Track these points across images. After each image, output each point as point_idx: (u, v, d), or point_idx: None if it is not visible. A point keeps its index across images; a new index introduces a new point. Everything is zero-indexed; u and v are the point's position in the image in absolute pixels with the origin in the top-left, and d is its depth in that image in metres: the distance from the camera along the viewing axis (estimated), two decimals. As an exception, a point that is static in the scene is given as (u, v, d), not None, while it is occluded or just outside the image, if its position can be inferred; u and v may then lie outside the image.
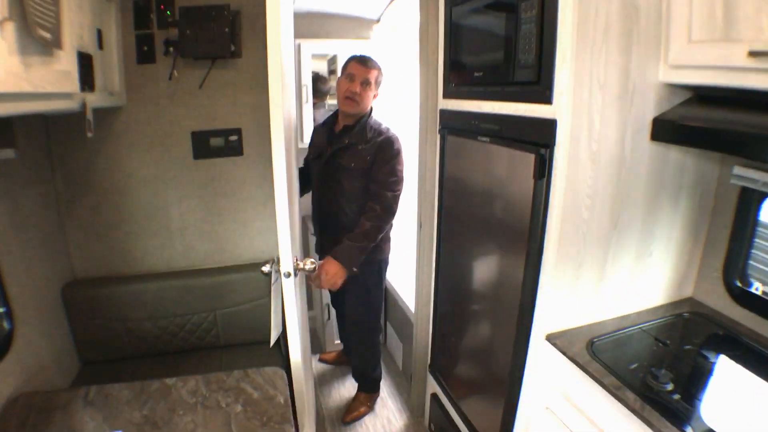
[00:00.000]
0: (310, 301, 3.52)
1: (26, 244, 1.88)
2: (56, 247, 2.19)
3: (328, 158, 2.40)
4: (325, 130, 2.51)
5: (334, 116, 2.51)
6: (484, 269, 1.96)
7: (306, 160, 2.70)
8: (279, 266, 1.67)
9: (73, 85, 1.47)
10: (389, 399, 2.97)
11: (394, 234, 2.61)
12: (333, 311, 3.27)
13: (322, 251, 2.59)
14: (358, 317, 2.67)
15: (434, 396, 2.48)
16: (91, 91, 1.68)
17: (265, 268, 1.82)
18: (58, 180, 2.19)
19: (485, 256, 1.93)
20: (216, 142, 2.34)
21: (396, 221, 2.48)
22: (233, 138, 2.36)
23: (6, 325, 1.71)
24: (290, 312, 1.70)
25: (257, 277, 2.30)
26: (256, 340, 2.44)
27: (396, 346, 3.31)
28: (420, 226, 2.41)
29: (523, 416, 1.74)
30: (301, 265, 1.75)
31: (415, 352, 2.64)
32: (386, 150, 2.34)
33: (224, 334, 2.40)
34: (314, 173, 2.55)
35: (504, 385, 1.79)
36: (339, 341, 3.36)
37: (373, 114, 2.45)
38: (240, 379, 1.64)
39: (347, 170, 2.36)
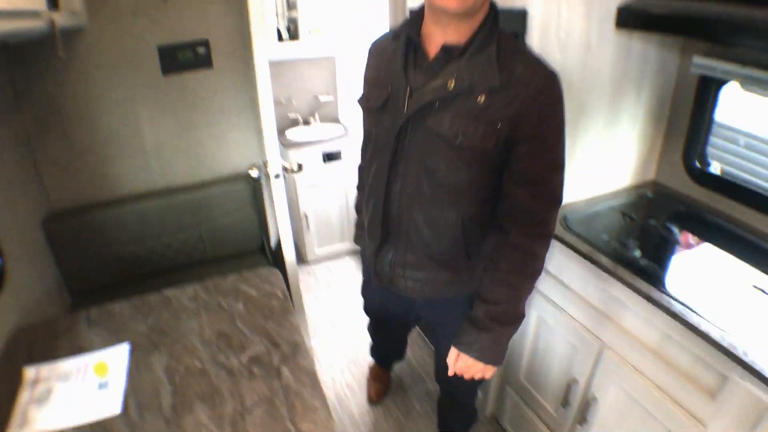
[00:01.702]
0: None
1: (2, 180, 1.86)
2: (31, 181, 2.17)
3: (408, 117, 1.24)
4: (399, 53, 1.27)
5: (415, 23, 1.25)
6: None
7: (366, 116, 1.48)
8: (267, 169, 1.73)
9: (41, 1, 1.42)
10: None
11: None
12: (311, 220, 3.40)
13: (378, 278, 1.55)
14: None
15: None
16: (56, 10, 1.63)
17: (254, 173, 1.86)
18: (25, 111, 2.13)
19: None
20: (184, 55, 2.28)
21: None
22: (201, 50, 2.29)
23: (-2, 261, 1.72)
24: (281, 213, 1.78)
25: (238, 189, 2.34)
26: (243, 250, 2.51)
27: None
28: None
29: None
30: (287, 166, 1.81)
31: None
32: (547, 103, 1.18)
33: (211, 248, 2.46)
34: (376, 141, 1.39)
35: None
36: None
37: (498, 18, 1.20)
38: (236, 281, 1.72)
39: (446, 144, 1.23)
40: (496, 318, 1.30)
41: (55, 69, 2.07)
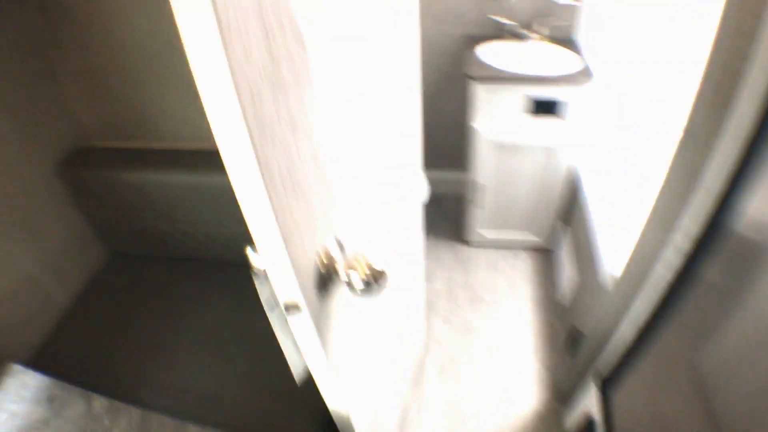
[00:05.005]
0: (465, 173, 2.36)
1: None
2: (49, 108, 1.57)
3: None
4: None
5: None
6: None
7: None
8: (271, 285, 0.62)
9: None
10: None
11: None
12: (489, 194, 2.17)
13: None
14: None
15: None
16: None
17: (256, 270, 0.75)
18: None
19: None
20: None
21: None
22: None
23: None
24: (312, 357, 0.73)
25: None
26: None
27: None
28: (691, 134, 1.01)
29: None
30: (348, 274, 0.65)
31: (589, 341, 1.47)
32: None
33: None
34: None
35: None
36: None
37: None
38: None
39: None
40: None
41: None
